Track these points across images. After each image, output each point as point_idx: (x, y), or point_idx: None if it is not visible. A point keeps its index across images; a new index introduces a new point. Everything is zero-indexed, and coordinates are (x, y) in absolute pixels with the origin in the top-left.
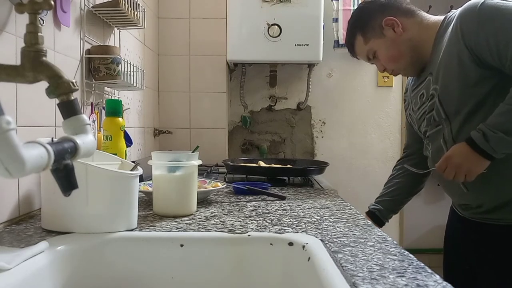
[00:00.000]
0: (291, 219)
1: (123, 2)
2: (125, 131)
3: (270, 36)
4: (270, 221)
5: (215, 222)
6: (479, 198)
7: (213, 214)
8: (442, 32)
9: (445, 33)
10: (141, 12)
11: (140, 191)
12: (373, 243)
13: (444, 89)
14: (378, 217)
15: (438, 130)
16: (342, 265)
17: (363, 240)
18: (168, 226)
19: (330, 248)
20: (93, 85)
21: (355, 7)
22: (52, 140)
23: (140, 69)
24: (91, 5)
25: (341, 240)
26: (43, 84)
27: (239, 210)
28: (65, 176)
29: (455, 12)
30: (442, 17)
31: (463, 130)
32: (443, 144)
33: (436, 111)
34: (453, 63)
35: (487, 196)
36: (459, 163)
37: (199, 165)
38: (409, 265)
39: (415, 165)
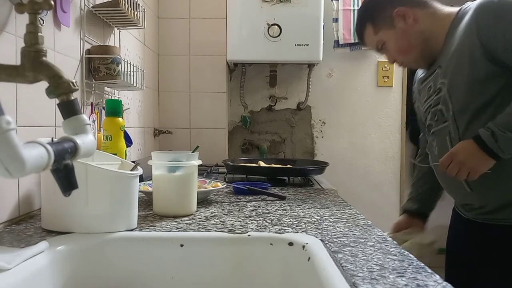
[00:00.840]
0: (291, 219)
1: (123, 2)
2: (125, 131)
3: (270, 36)
4: (270, 221)
5: (215, 222)
6: (483, 198)
7: (213, 214)
8: (456, 24)
9: (458, 25)
10: (141, 12)
11: (140, 191)
12: (373, 243)
13: (452, 84)
14: (421, 213)
15: (445, 127)
16: (342, 265)
17: (363, 240)
18: (168, 226)
19: (330, 248)
20: (93, 85)
21: (355, 7)
22: (52, 140)
23: (140, 69)
24: (91, 5)
25: (341, 240)
26: (43, 84)
27: (239, 210)
28: (65, 176)
29: (470, 5)
30: (456, 9)
31: (469, 128)
32: (449, 142)
33: (444, 106)
34: (465, 57)
35: (491, 196)
36: (463, 160)
37: (199, 165)
38: (409, 265)
39: None
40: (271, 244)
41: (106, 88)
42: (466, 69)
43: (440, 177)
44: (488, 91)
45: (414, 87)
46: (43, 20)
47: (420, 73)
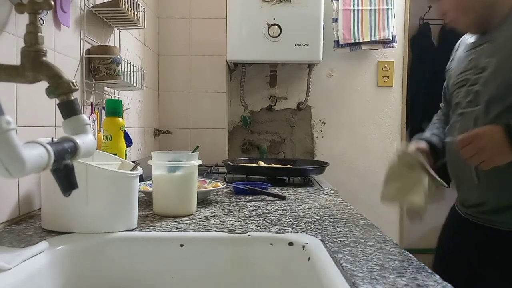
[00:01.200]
0: (291, 219)
1: (123, 2)
2: (125, 131)
3: (270, 36)
4: (270, 221)
5: (215, 222)
6: (487, 193)
7: (213, 214)
8: None
9: None
10: (141, 12)
11: (140, 191)
12: (373, 243)
13: (501, 66)
14: (437, 152)
15: (474, 111)
16: (342, 265)
17: (363, 240)
18: (168, 226)
19: (330, 248)
20: (93, 85)
21: (355, 7)
22: (52, 140)
23: (140, 69)
24: (91, 5)
25: (341, 240)
26: (43, 84)
27: (239, 210)
28: (65, 176)
29: None
30: None
31: (500, 118)
32: (473, 128)
33: (483, 88)
34: None
35: (495, 193)
36: (484, 146)
37: (199, 165)
38: (409, 265)
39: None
40: (271, 244)
41: (106, 88)
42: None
43: (451, 157)
44: None
45: (457, 49)
46: (43, 20)
47: (468, 37)
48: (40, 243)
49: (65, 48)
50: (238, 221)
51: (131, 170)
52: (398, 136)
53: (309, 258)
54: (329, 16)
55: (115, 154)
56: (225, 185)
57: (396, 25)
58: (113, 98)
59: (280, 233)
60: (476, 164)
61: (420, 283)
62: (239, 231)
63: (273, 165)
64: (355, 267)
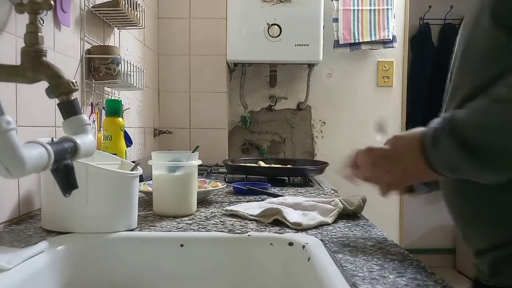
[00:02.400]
0: None
1: (123, 2)
2: (125, 131)
3: (270, 36)
4: None
5: (215, 222)
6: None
7: (213, 214)
8: None
9: None
10: (141, 12)
11: (140, 191)
12: (373, 243)
13: (461, 50)
14: None
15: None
16: (342, 265)
17: (363, 240)
18: (168, 226)
19: (330, 248)
20: (93, 85)
21: (355, 7)
22: (52, 140)
23: (140, 69)
24: (91, 5)
25: (341, 240)
26: (43, 84)
27: None
28: (65, 176)
29: None
30: None
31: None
32: None
33: (448, 82)
34: (472, 17)
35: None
36: (392, 164)
37: (199, 165)
38: (409, 265)
39: None
40: (271, 244)
41: (106, 88)
42: (468, 32)
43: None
44: (491, 69)
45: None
46: (43, 20)
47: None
48: (40, 243)
49: (65, 48)
50: (238, 221)
51: (131, 170)
52: None
53: (309, 258)
54: (329, 16)
55: (115, 154)
56: (225, 185)
57: (396, 25)
58: (113, 98)
59: (280, 233)
60: (381, 191)
61: (420, 283)
62: (239, 231)
63: (273, 165)
64: (355, 267)
